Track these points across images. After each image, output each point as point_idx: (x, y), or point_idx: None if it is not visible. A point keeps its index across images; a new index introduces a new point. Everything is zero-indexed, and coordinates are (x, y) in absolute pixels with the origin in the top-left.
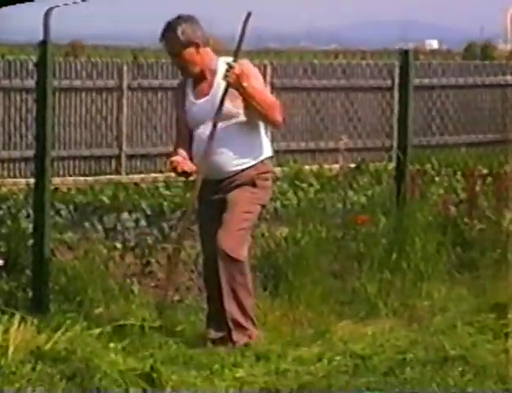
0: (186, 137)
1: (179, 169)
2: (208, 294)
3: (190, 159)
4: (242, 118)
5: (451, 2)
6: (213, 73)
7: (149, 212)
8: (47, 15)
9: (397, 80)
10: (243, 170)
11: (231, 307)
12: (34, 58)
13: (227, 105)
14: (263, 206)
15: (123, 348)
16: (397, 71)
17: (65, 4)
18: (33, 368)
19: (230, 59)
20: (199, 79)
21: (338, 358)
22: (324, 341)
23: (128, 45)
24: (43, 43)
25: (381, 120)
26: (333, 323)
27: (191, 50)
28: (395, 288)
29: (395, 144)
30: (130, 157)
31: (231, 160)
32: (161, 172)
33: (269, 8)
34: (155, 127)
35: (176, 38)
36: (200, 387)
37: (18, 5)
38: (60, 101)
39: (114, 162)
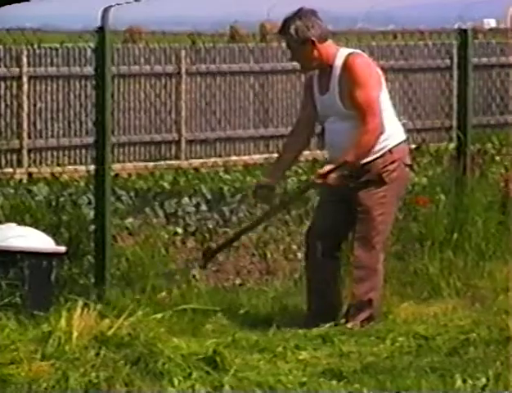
0: (303, 126)
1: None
2: (310, 285)
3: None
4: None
5: None
6: (332, 67)
7: (209, 197)
8: (105, 11)
9: (455, 60)
10: (368, 163)
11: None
12: (92, 45)
13: (340, 104)
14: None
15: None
16: (455, 51)
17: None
18: (97, 354)
19: (350, 50)
20: (322, 73)
21: (401, 339)
22: (387, 322)
23: (186, 30)
24: (101, 30)
25: (440, 100)
26: (395, 304)
27: (307, 47)
28: (457, 268)
29: (455, 124)
30: (190, 142)
31: None
32: (220, 156)
33: None
34: (214, 112)
35: (290, 36)
36: (263, 370)
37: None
38: (119, 87)
39: (173, 147)
